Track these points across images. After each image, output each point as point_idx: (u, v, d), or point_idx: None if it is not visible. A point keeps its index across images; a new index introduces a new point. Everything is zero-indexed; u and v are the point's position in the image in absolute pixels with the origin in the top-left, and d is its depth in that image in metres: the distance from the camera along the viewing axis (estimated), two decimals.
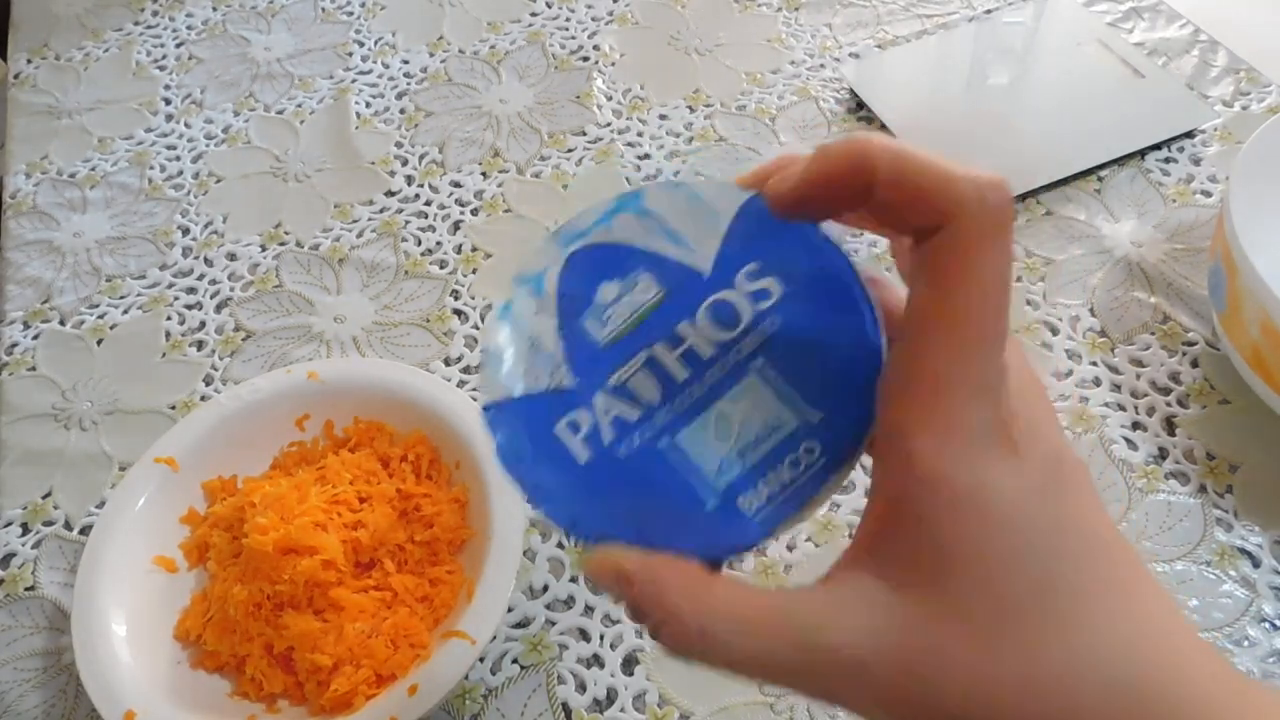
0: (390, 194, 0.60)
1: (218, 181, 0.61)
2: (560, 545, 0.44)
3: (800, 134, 0.61)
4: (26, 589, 0.45)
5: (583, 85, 0.65)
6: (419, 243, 0.57)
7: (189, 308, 0.55)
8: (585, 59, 0.67)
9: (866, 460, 0.22)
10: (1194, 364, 0.48)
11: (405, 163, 0.61)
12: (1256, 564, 0.42)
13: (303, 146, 0.63)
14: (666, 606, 0.20)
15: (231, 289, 0.56)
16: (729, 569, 0.22)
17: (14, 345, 0.54)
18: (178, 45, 0.70)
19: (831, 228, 0.23)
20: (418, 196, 0.59)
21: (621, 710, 0.40)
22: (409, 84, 0.66)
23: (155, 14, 0.73)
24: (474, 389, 0.50)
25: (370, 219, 0.59)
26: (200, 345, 0.53)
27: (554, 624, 0.42)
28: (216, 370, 0.52)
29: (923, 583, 0.19)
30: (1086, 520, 0.19)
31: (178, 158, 0.63)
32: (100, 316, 0.55)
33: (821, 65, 0.65)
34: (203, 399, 0.51)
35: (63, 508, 0.47)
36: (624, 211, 0.24)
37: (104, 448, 0.49)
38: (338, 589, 0.39)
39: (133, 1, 0.74)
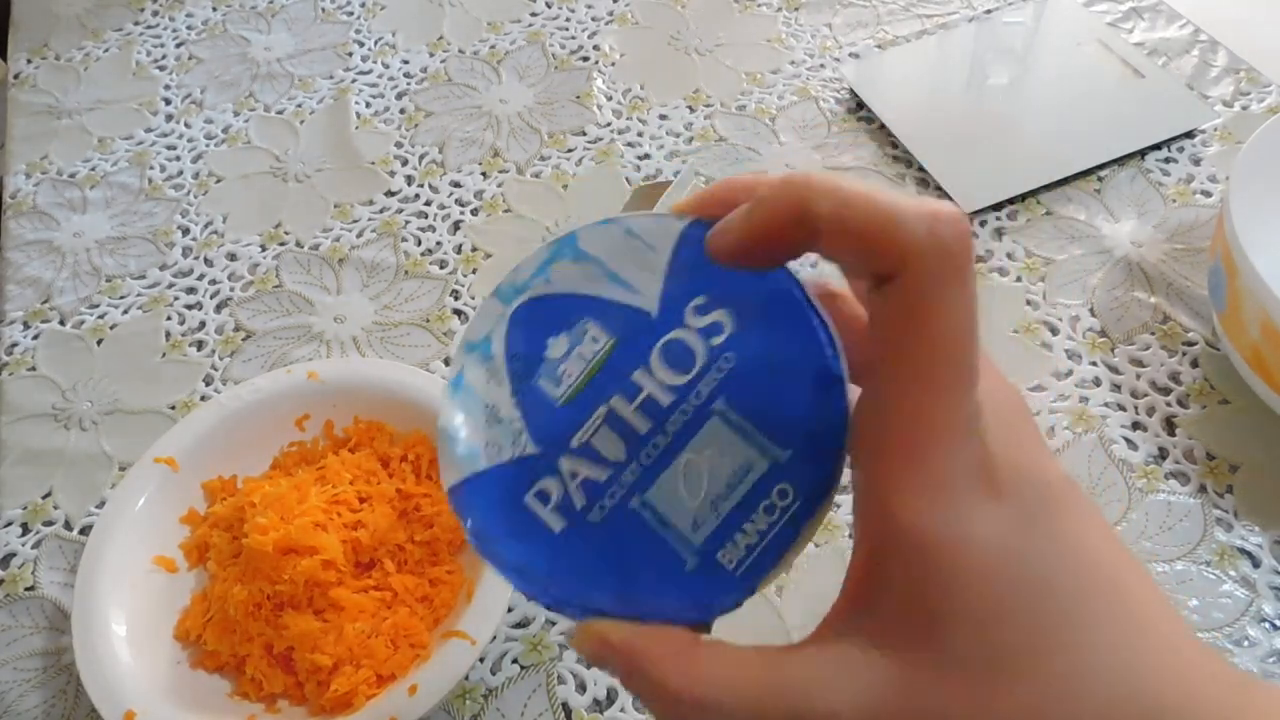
0: (390, 194, 0.60)
1: (218, 181, 0.61)
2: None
3: (800, 134, 0.61)
4: (26, 589, 0.45)
5: (583, 85, 0.65)
6: (419, 243, 0.57)
7: (189, 308, 0.55)
8: (585, 59, 0.67)
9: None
10: (1194, 364, 0.48)
11: (405, 163, 0.61)
12: (1256, 564, 0.42)
13: (303, 146, 0.63)
14: (656, 680, 0.20)
15: (231, 289, 0.56)
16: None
17: (14, 345, 0.54)
18: (178, 45, 0.70)
19: None
20: (418, 196, 0.59)
21: (621, 710, 0.40)
22: (409, 84, 0.66)
23: (155, 14, 0.73)
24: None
25: (370, 219, 0.59)
26: (200, 345, 0.53)
27: (554, 624, 0.42)
28: (216, 370, 0.52)
29: (913, 641, 0.19)
30: (1081, 554, 0.19)
31: (178, 158, 0.63)
32: (100, 316, 0.55)
33: (821, 65, 0.65)
34: (203, 399, 0.51)
35: (63, 508, 0.47)
36: (560, 259, 0.23)
37: (104, 448, 0.49)
38: (338, 589, 0.39)
39: (133, 1, 0.74)
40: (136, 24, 0.72)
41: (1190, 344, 0.49)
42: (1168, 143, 0.57)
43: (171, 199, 0.61)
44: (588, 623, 0.21)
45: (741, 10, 0.69)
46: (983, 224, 0.55)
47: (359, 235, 0.58)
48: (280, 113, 0.65)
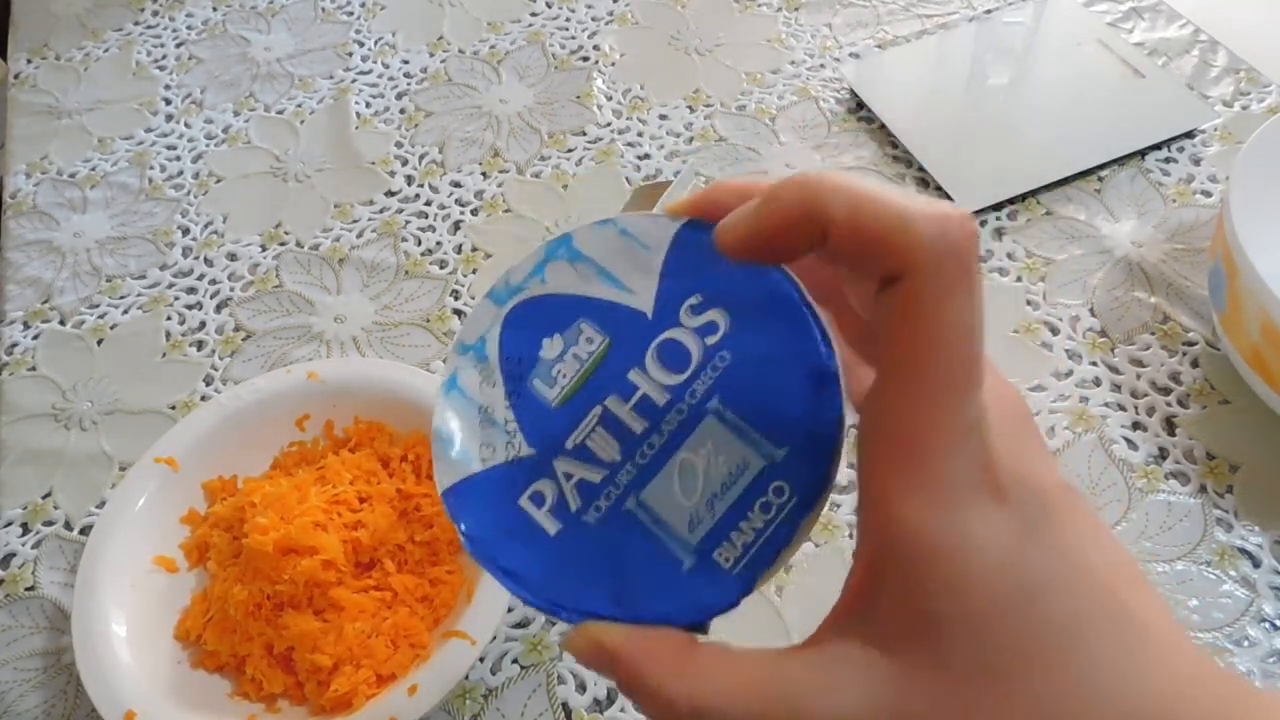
0: (390, 194, 0.60)
1: (218, 181, 0.61)
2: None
3: (800, 134, 0.61)
4: (26, 589, 0.45)
5: (583, 85, 0.65)
6: (419, 243, 0.57)
7: (189, 308, 0.55)
8: (585, 59, 0.67)
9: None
10: (1194, 364, 0.48)
11: (405, 163, 0.61)
12: (1256, 564, 0.42)
13: (303, 146, 0.63)
14: (652, 685, 0.20)
15: (231, 289, 0.56)
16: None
17: (14, 345, 0.54)
18: (178, 45, 0.70)
19: None
20: (418, 196, 0.59)
21: (621, 710, 0.40)
22: (409, 84, 0.66)
23: (155, 14, 0.73)
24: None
25: (370, 219, 0.59)
26: (200, 345, 0.53)
27: (554, 624, 0.42)
28: (216, 370, 0.52)
29: (911, 646, 0.19)
30: (1081, 560, 0.19)
31: (178, 158, 0.63)
32: (100, 316, 0.55)
33: (821, 65, 0.65)
34: (203, 399, 0.51)
35: (63, 508, 0.47)
36: (555, 260, 0.23)
37: (104, 448, 0.49)
38: (338, 589, 0.39)
39: (133, 1, 0.74)
40: (136, 24, 0.72)
41: (1190, 344, 0.49)
42: (1168, 143, 0.57)
43: (171, 199, 0.61)
44: (583, 626, 0.21)
45: (741, 10, 0.69)
46: (983, 224, 0.55)
47: (359, 235, 0.58)
48: (280, 113, 0.65)
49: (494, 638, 0.40)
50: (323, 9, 0.72)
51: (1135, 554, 0.42)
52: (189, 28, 0.72)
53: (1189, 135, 0.58)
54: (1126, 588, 0.19)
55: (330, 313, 0.54)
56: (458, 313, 0.54)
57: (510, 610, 0.42)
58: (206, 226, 0.59)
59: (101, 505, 0.47)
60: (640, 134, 0.62)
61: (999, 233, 0.54)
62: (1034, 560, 0.18)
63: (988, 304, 0.51)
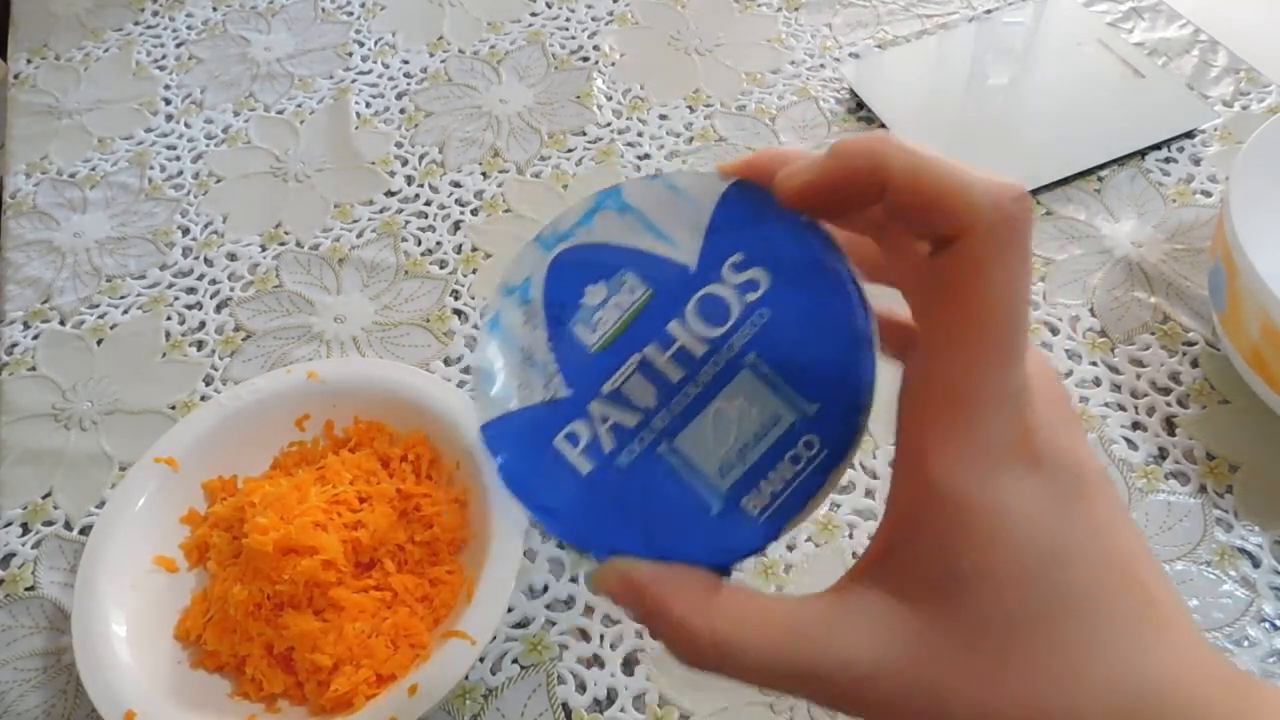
0: (390, 194, 0.60)
1: (218, 181, 0.61)
2: (560, 546, 0.44)
3: (800, 134, 0.61)
4: (26, 589, 0.45)
5: (583, 85, 0.65)
6: (419, 243, 0.57)
7: (189, 308, 0.55)
8: (585, 59, 0.67)
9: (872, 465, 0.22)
10: (1194, 364, 0.48)
11: (405, 163, 0.61)
12: (1256, 564, 0.42)
13: (303, 146, 0.63)
14: (679, 618, 0.20)
15: (231, 289, 0.56)
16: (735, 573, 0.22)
17: (14, 345, 0.54)
18: (178, 45, 0.70)
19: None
20: (418, 196, 0.59)
21: (621, 710, 0.40)
22: (409, 84, 0.66)
23: (155, 14, 0.73)
24: (474, 389, 0.50)
25: (370, 219, 0.59)
26: (200, 345, 0.53)
27: (554, 624, 0.42)
28: (216, 370, 0.52)
29: (934, 599, 0.19)
30: (1106, 537, 0.19)
31: (178, 158, 0.63)
32: (100, 316, 0.55)
33: (821, 65, 0.65)
34: (203, 399, 0.51)
35: (63, 508, 0.47)
36: (604, 210, 0.24)
37: (104, 448, 0.49)
38: (338, 589, 0.39)
39: (133, 1, 0.74)
40: (136, 24, 0.72)
41: (1190, 344, 0.49)
42: (1168, 143, 0.57)
43: (171, 199, 0.61)
44: (611, 561, 0.22)
45: (741, 10, 0.69)
46: None
47: (359, 235, 0.58)
48: (280, 113, 0.65)
49: (494, 638, 0.40)
50: (323, 9, 0.72)
51: None
52: (189, 28, 0.72)
53: (1189, 135, 0.58)
54: (1146, 573, 0.19)
55: (330, 313, 0.54)
56: (458, 313, 0.54)
57: (510, 610, 0.42)
58: (206, 226, 0.59)
59: (101, 505, 0.47)
60: (640, 134, 0.62)
61: None
62: (1062, 529, 0.19)
63: None
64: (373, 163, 0.62)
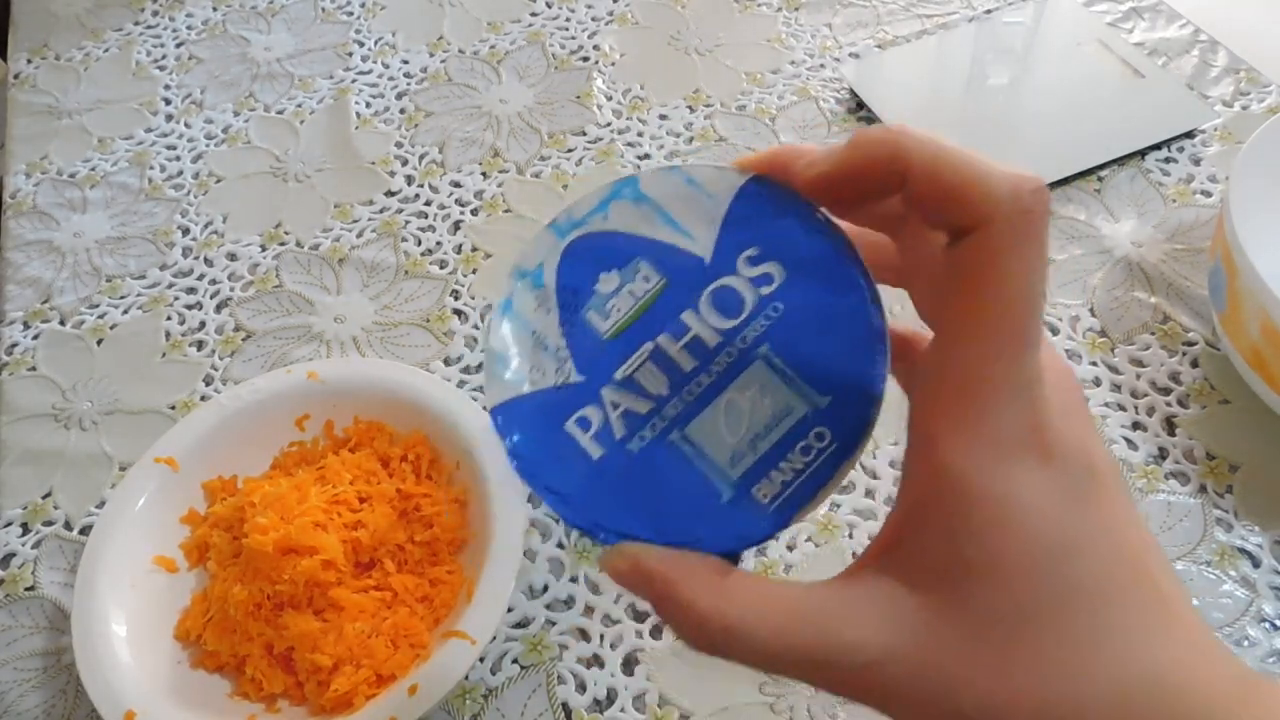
0: (390, 194, 0.60)
1: (218, 181, 0.61)
2: (560, 545, 0.44)
3: (800, 134, 0.61)
4: (26, 589, 0.45)
5: (583, 85, 0.65)
6: (419, 243, 0.57)
7: (189, 308, 0.55)
8: (585, 59, 0.67)
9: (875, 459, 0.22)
10: (1194, 364, 0.48)
11: (405, 163, 0.61)
12: (1256, 564, 0.42)
13: (303, 146, 0.63)
14: (688, 603, 0.20)
15: (231, 289, 0.56)
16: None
17: (14, 345, 0.54)
18: (178, 45, 0.70)
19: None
20: (418, 196, 0.59)
21: (621, 710, 0.40)
22: (409, 84, 0.66)
23: (155, 14, 0.73)
24: (474, 389, 0.50)
25: (370, 219, 0.59)
26: (200, 345, 0.53)
27: (554, 624, 0.42)
28: (216, 370, 0.52)
29: (942, 588, 0.19)
30: (1115, 531, 0.19)
31: (178, 158, 0.63)
32: (100, 316, 0.55)
33: (821, 65, 0.65)
34: (203, 399, 0.51)
35: (63, 508, 0.47)
36: (620, 199, 0.24)
37: (104, 448, 0.49)
38: (338, 589, 0.39)
39: (133, 1, 0.74)
40: (136, 24, 0.72)
41: (1190, 344, 0.49)
42: (1168, 143, 0.57)
43: (171, 199, 0.61)
44: (620, 546, 0.22)
45: (741, 10, 0.69)
46: None
47: (359, 235, 0.58)
48: (280, 113, 0.65)
49: (494, 638, 0.40)
50: (323, 9, 0.72)
51: None
52: (189, 28, 0.72)
53: (1189, 135, 0.58)
54: (1155, 569, 0.19)
55: (330, 313, 0.54)
56: (458, 313, 0.54)
57: (510, 610, 0.42)
58: (206, 226, 0.59)
59: (101, 505, 0.47)
60: (640, 134, 0.62)
61: None
62: (1072, 522, 0.19)
63: None
64: (373, 163, 0.62)
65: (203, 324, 0.54)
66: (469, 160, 0.61)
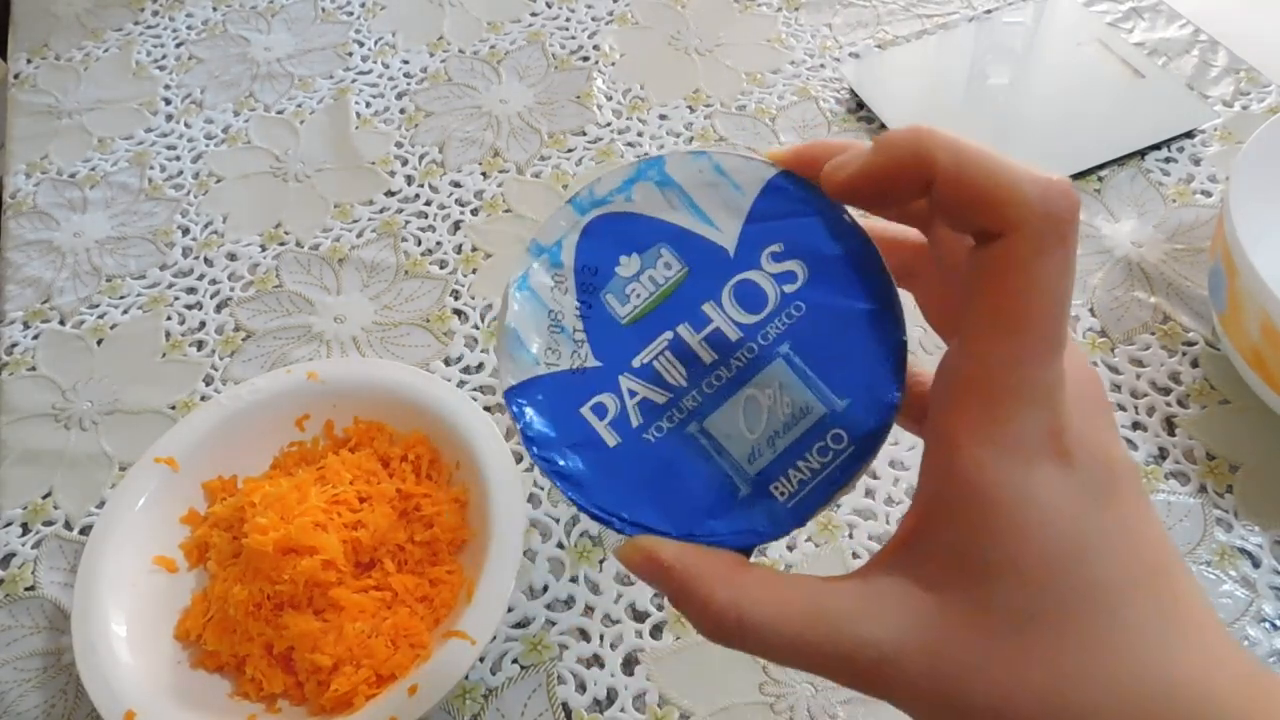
0: (390, 194, 0.60)
1: (218, 181, 0.61)
2: (560, 545, 0.44)
3: (800, 134, 0.61)
4: (26, 589, 0.45)
5: (583, 85, 0.65)
6: (419, 243, 0.57)
7: (189, 308, 0.55)
8: (585, 59, 0.67)
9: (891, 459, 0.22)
10: (1194, 364, 0.48)
11: (405, 163, 0.61)
12: (1256, 564, 0.42)
13: (303, 146, 0.63)
14: (705, 597, 0.21)
15: (231, 289, 0.56)
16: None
17: (14, 345, 0.54)
18: (178, 45, 0.70)
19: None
20: (418, 196, 0.59)
21: (621, 710, 0.40)
22: (409, 84, 0.66)
23: (155, 14, 0.73)
24: (475, 389, 0.50)
25: (370, 219, 0.59)
26: (200, 345, 0.53)
27: (554, 624, 0.42)
28: (216, 370, 0.52)
29: (957, 587, 0.19)
30: (1132, 532, 0.19)
31: (178, 158, 0.63)
32: (100, 316, 0.55)
33: (821, 65, 0.65)
34: (203, 399, 0.51)
35: (63, 508, 0.47)
36: (644, 180, 0.24)
37: (104, 448, 0.49)
38: (338, 589, 0.39)
39: (133, 1, 0.74)
40: (136, 24, 0.72)
41: (1190, 344, 0.49)
42: (1168, 143, 0.57)
43: (171, 199, 0.61)
44: (637, 539, 0.22)
45: (741, 10, 0.69)
46: None
47: (359, 235, 0.58)
48: (280, 113, 0.65)
49: (494, 638, 0.40)
50: (323, 9, 0.72)
51: None
52: (189, 28, 0.72)
53: (1189, 135, 0.58)
54: (1172, 569, 0.19)
55: (330, 313, 0.54)
56: (458, 313, 0.54)
57: (510, 610, 0.42)
58: (206, 226, 0.59)
59: (101, 505, 0.47)
60: (640, 134, 0.62)
61: None
62: (1090, 525, 0.19)
63: None
64: (373, 163, 0.62)
65: (203, 324, 0.54)
66: (469, 160, 0.61)
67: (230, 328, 0.54)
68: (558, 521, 0.45)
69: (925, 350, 0.49)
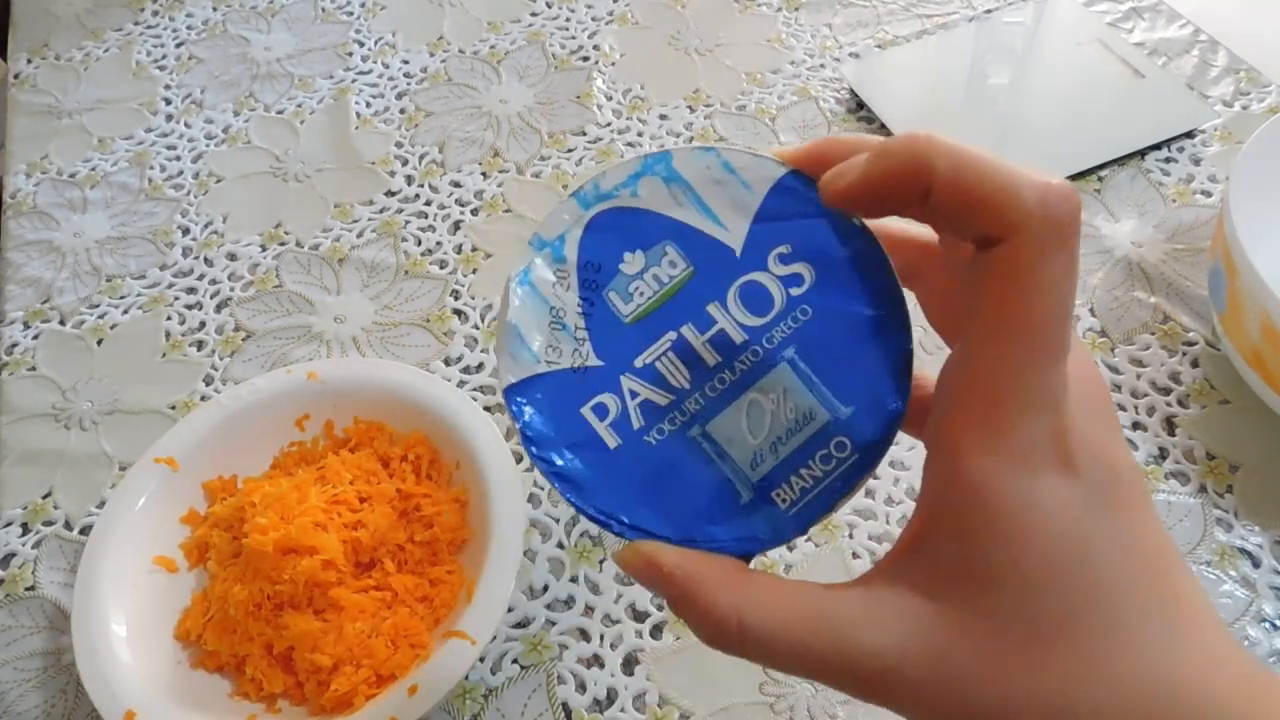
0: (390, 194, 0.60)
1: (218, 181, 0.61)
2: (560, 545, 0.44)
3: (800, 134, 0.61)
4: (26, 589, 0.45)
5: (583, 85, 0.65)
6: (419, 243, 0.57)
7: (189, 308, 0.55)
8: (585, 59, 0.67)
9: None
10: (1194, 364, 0.48)
11: (405, 163, 0.61)
12: (1256, 564, 0.42)
13: (303, 146, 0.63)
14: (707, 604, 0.20)
15: (231, 289, 0.56)
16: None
17: (14, 345, 0.54)
18: (178, 45, 0.70)
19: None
20: (418, 196, 0.59)
21: (621, 710, 0.40)
22: (409, 84, 0.66)
23: (155, 14, 0.73)
24: (474, 389, 0.50)
25: (370, 219, 0.59)
26: (200, 345, 0.53)
27: (554, 624, 0.42)
28: (216, 370, 0.52)
29: (959, 594, 0.19)
30: (1135, 536, 0.19)
31: (178, 158, 0.63)
32: (100, 316, 0.55)
33: (821, 65, 0.65)
34: (203, 399, 0.51)
35: (63, 508, 0.47)
36: (650, 175, 0.23)
37: (104, 448, 0.49)
38: (338, 589, 0.39)
39: (133, 1, 0.74)
40: (136, 24, 0.72)
41: (1190, 344, 0.49)
42: (1168, 143, 0.57)
43: (171, 199, 0.61)
44: (637, 543, 0.22)
45: (741, 10, 0.69)
46: None
47: (359, 235, 0.58)
48: (280, 113, 0.65)
49: (494, 638, 0.40)
50: (323, 9, 0.72)
51: None
52: (189, 28, 0.72)
53: (1189, 135, 0.58)
54: (1174, 571, 0.19)
55: (330, 313, 0.54)
56: (458, 313, 0.54)
57: (510, 610, 0.42)
58: (206, 226, 0.59)
59: (101, 505, 0.47)
60: (640, 134, 0.62)
61: None
62: (1093, 530, 0.19)
63: None
64: (373, 163, 0.62)
65: (203, 324, 0.54)
66: (469, 160, 0.61)
67: (230, 328, 0.54)
68: (558, 521, 0.45)
69: (925, 350, 0.49)
